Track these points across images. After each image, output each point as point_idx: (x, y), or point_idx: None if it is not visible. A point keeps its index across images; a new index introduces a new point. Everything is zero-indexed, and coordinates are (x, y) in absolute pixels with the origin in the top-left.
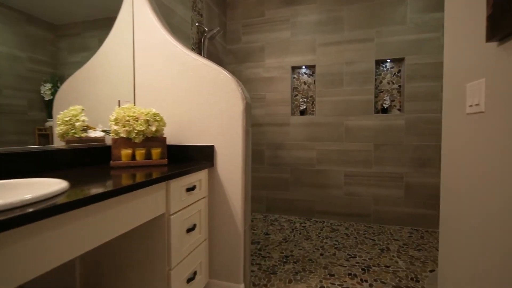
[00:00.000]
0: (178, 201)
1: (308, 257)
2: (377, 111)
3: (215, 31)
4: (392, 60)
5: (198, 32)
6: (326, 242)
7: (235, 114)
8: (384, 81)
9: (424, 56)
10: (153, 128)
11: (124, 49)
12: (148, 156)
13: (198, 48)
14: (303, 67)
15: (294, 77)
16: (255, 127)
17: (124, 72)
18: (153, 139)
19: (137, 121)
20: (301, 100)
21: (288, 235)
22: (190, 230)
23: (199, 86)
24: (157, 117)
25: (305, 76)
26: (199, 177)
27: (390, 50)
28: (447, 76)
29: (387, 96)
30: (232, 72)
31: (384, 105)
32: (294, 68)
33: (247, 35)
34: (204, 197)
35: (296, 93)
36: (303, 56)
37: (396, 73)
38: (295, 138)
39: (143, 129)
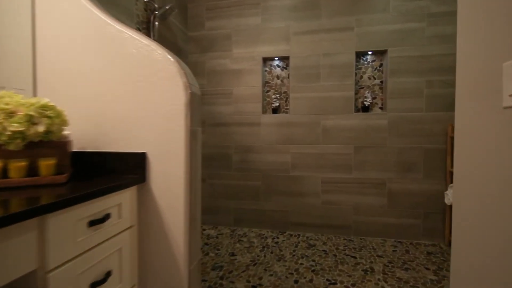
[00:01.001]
0: (70, 244)
1: (280, 286)
2: (357, 110)
3: (167, 7)
4: (374, 53)
5: (147, 9)
6: (301, 263)
7: (175, 109)
8: (365, 76)
9: (408, 48)
10: (41, 129)
11: (17, 14)
12: (33, 171)
13: (146, 29)
14: (276, 58)
15: (266, 70)
16: (221, 127)
17: (16, 48)
18: (44, 145)
19: (11, 117)
20: (273, 96)
21: (258, 255)
22: (98, 283)
23: (125, 68)
24: (50, 112)
25: (278, 69)
26: (119, 200)
27: (372, 41)
28: (464, 56)
29: (368, 92)
30: (194, 63)
31: (365, 102)
32: (266, 60)
33: (212, 21)
34: (129, 228)
35: (268, 88)
36: (275, 46)
37: (378, 67)
38: (266, 140)
39: (22, 129)
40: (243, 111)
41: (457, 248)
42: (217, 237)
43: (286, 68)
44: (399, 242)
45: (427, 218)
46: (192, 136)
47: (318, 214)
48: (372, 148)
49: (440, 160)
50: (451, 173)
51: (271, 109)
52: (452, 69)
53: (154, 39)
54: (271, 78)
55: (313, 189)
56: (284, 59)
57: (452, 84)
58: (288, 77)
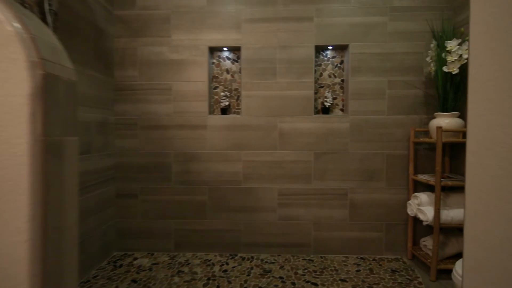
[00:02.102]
0: None
1: None
2: (317, 111)
3: None
4: (334, 48)
5: None
6: None
7: (9, 104)
8: (325, 74)
9: (370, 44)
10: None
11: None
12: None
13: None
14: (225, 49)
15: (213, 63)
16: (157, 131)
17: None
18: None
19: None
20: (222, 94)
21: None
22: None
23: None
24: None
25: (228, 61)
26: None
27: (332, 34)
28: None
29: (328, 92)
30: (122, 50)
31: (325, 103)
32: (213, 50)
33: None
34: None
35: (216, 84)
36: (224, 34)
37: (339, 64)
38: (214, 146)
39: None
40: (185, 111)
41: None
42: (150, 269)
43: (237, 61)
44: (362, 258)
45: (390, 231)
46: (49, 151)
47: (274, 232)
48: (333, 154)
49: (402, 167)
50: (414, 181)
51: (219, 109)
52: (413, 69)
53: (48, 19)
54: (220, 72)
55: (268, 203)
56: (235, 50)
57: (414, 86)
58: (240, 72)
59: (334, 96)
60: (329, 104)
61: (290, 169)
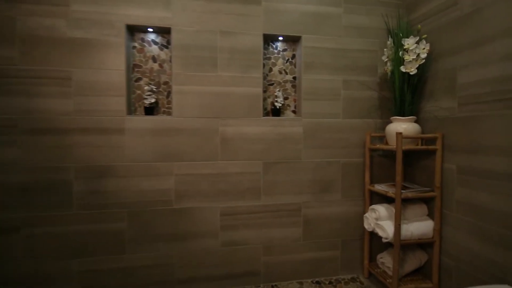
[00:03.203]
0: None
1: None
2: (266, 113)
3: None
4: (285, 39)
5: None
6: None
7: None
8: (275, 69)
9: (324, 38)
10: None
11: None
12: None
13: None
14: (150, 29)
15: (135, 47)
16: (49, 136)
17: None
18: None
19: None
20: (147, 88)
21: None
22: None
23: None
24: None
25: (155, 47)
26: None
27: (283, 22)
28: None
29: (279, 91)
30: None
31: (276, 104)
32: (134, 30)
33: None
34: None
35: (139, 75)
36: (148, 9)
37: (290, 59)
38: (136, 156)
39: None
40: (92, 109)
41: None
42: None
43: (167, 47)
44: (317, 283)
45: (346, 247)
46: None
47: (216, 262)
48: (285, 163)
49: (358, 176)
50: (370, 192)
51: (143, 107)
52: (368, 69)
53: None
54: (144, 60)
55: (209, 226)
56: (164, 32)
57: (369, 87)
58: (170, 61)
59: (285, 96)
60: (280, 105)
61: (235, 183)
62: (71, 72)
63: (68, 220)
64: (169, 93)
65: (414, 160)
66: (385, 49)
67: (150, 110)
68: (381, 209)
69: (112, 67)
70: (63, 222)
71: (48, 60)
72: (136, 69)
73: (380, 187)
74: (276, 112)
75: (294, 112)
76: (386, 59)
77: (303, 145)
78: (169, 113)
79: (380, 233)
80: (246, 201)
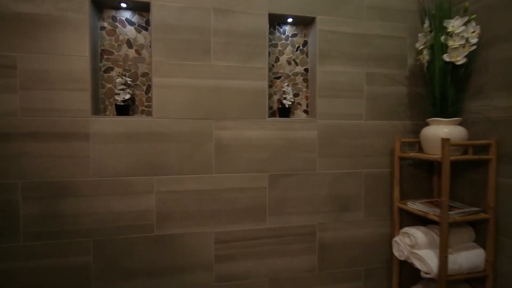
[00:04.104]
0: None
1: None
2: (272, 113)
3: None
4: (296, 21)
5: None
6: None
7: None
8: (283, 59)
9: (344, 21)
10: None
11: None
12: None
13: None
14: (123, 4)
15: (104, 27)
16: None
17: None
18: None
19: None
20: (120, 81)
21: None
22: None
23: None
24: None
25: (130, 27)
26: None
27: (293, 0)
28: None
29: (287, 85)
30: None
31: (284, 101)
32: (102, 5)
33: None
34: None
35: (109, 64)
36: None
37: (301, 47)
38: (105, 169)
39: None
40: (45, 108)
41: None
42: None
43: (146, 29)
44: None
45: (370, 278)
46: None
47: None
48: (295, 176)
49: (384, 191)
50: (400, 210)
51: (114, 106)
52: (396, 59)
53: None
54: (116, 45)
55: (200, 257)
56: (141, 9)
57: (398, 81)
58: (150, 46)
59: (295, 92)
60: (290, 103)
61: (233, 202)
62: (16, 57)
63: (13, 254)
64: (149, 87)
65: (457, 172)
66: (419, 34)
67: (124, 109)
68: (419, 235)
69: (71, 52)
70: (6, 257)
71: None
72: (105, 56)
73: (415, 206)
74: (285, 112)
75: (306, 112)
76: (422, 46)
77: (317, 153)
78: (148, 113)
79: (418, 265)
80: (247, 224)
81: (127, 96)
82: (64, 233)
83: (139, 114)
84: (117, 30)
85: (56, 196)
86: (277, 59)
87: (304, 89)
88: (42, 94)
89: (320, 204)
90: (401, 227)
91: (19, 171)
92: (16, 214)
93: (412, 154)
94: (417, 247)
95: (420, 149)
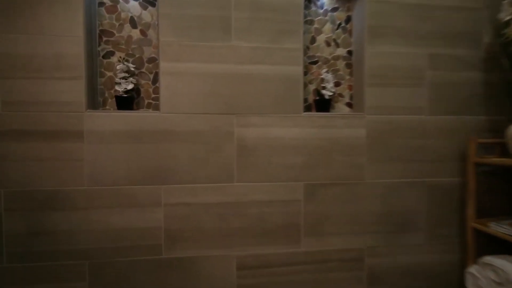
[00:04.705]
0: None
1: None
2: (307, 107)
3: None
4: None
5: None
6: None
7: None
8: (320, 39)
9: None
10: None
11: None
12: None
13: None
14: None
15: (103, 4)
16: None
17: None
18: None
19: None
20: (121, 67)
21: None
22: None
23: None
24: None
25: (135, 3)
26: None
27: None
28: None
29: (326, 72)
30: None
31: (323, 92)
32: None
33: None
34: None
35: (109, 47)
36: None
37: (344, 23)
38: (101, 176)
39: None
40: (30, 100)
41: None
42: None
43: (152, 4)
44: None
45: None
46: None
47: None
48: (338, 186)
49: (452, 206)
50: (476, 231)
51: (113, 97)
52: (468, 37)
53: None
54: (116, 23)
55: (219, 285)
56: None
57: (471, 65)
58: (158, 25)
59: (336, 81)
60: (330, 94)
61: (259, 219)
62: None
63: None
64: (156, 75)
65: None
66: (504, 1)
67: (126, 102)
68: (508, 266)
69: (61, 32)
70: None
71: None
72: (104, 39)
73: (503, 229)
74: (323, 105)
75: (349, 105)
76: (508, 17)
77: (366, 158)
78: (156, 107)
79: None
80: (277, 246)
81: (130, 86)
82: (54, 254)
83: (144, 109)
84: (118, 6)
85: (44, 208)
86: (313, 40)
87: (347, 77)
88: (26, 84)
89: (370, 223)
90: (477, 254)
91: (1, 177)
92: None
93: (492, 159)
94: (506, 283)
95: (504, 153)
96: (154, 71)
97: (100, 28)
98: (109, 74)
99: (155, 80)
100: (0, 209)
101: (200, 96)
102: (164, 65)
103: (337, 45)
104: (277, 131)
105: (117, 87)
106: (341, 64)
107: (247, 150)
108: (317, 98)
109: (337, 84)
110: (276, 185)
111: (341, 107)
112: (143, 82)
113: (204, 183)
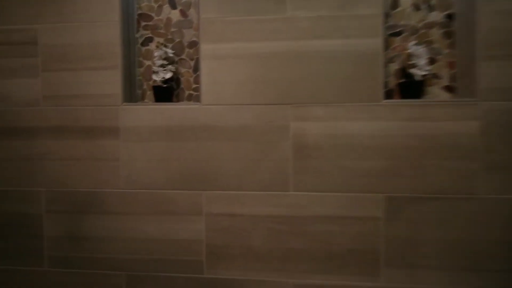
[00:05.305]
0: None
1: None
2: (388, 93)
3: None
4: None
5: None
6: None
7: None
8: (405, 1)
9: None
10: None
11: None
12: None
13: None
14: None
15: None
16: (12, 140)
17: None
18: None
19: None
20: (158, 54)
21: None
22: None
23: None
24: None
25: None
26: None
27: None
28: None
29: (416, 45)
30: None
31: (412, 72)
32: None
33: None
34: None
35: (148, 33)
36: None
37: None
38: (138, 178)
39: None
40: (68, 95)
41: None
42: None
43: None
44: None
45: None
46: None
47: None
48: (436, 202)
49: None
50: None
51: (151, 87)
52: None
53: None
54: (155, 5)
55: None
56: None
57: None
58: (198, 1)
59: (429, 56)
60: (423, 74)
61: (323, 239)
62: (37, 30)
63: (37, 280)
64: (197, 62)
65: None
66: None
67: (165, 93)
68: None
69: (97, 17)
70: (30, 283)
71: (15, 17)
72: (143, 23)
73: None
74: (412, 89)
75: (449, 89)
76: None
77: (480, 162)
78: (197, 99)
79: None
80: (347, 276)
81: (169, 75)
82: (91, 261)
83: (185, 101)
84: None
85: (82, 211)
86: (395, 3)
87: (446, 51)
88: (65, 76)
89: (485, 256)
90: None
91: (41, 176)
92: (40, 231)
93: None
94: None
95: None
96: (195, 58)
97: (139, 11)
98: (147, 63)
99: (197, 68)
100: (41, 210)
101: (247, 83)
102: (205, 48)
103: (431, 8)
104: (347, 125)
105: (154, 76)
106: (436, 33)
107: (307, 149)
108: (403, 80)
109: (431, 62)
110: (346, 196)
111: (436, 92)
112: (183, 70)
113: (253, 190)
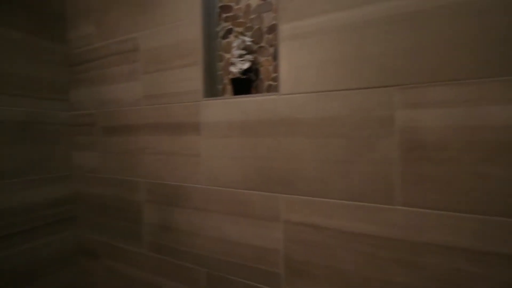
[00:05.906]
0: None
1: None
2: None
3: None
4: None
5: None
6: None
7: None
8: None
9: None
10: None
11: None
12: None
13: None
14: None
15: None
16: (118, 136)
17: None
18: None
19: None
20: (236, 43)
21: None
22: None
23: None
24: None
25: None
26: None
27: None
28: None
29: None
30: None
31: None
32: None
33: None
34: None
35: (229, 25)
36: None
37: None
38: (218, 175)
39: None
40: (160, 93)
41: None
42: None
43: None
44: None
45: None
46: None
47: None
48: None
49: None
50: None
51: (229, 80)
52: None
53: None
54: None
55: None
56: None
57: None
58: None
59: None
60: None
61: (446, 278)
62: (137, 38)
63: (136, 261)
64: (275, 50)
65: None
66: None
67: (243, 85)
68: None
69: (181, 16)
70: (132, 262)
71: (116, 27)
72: (223, 15)
73: None
74: None
75: None
76: None
77: None
78: (276, 89)
79: None
80: None
81: (246, 65)
82: (177, 253)
83: (264, 93)
84: None
85: (171, 204)
86: None
87: None
88: (158, 76)
89: None
90: None
91: (141, 168)
92: (140, 218)
93: None
94: None
95: None
96: (274, 44)
97: (221, 3)
98: (227, 56)
99: (276, 55)
100: (142, 198)
101: (335, 64)
102: (284, 28)
103: None
104: (491, 112)
105: (231, 68)
106: None
107: (423, 149)
108: None
109: None
110: (486, 220)
111: None
112: (262, 59)
113: (342, 199)
